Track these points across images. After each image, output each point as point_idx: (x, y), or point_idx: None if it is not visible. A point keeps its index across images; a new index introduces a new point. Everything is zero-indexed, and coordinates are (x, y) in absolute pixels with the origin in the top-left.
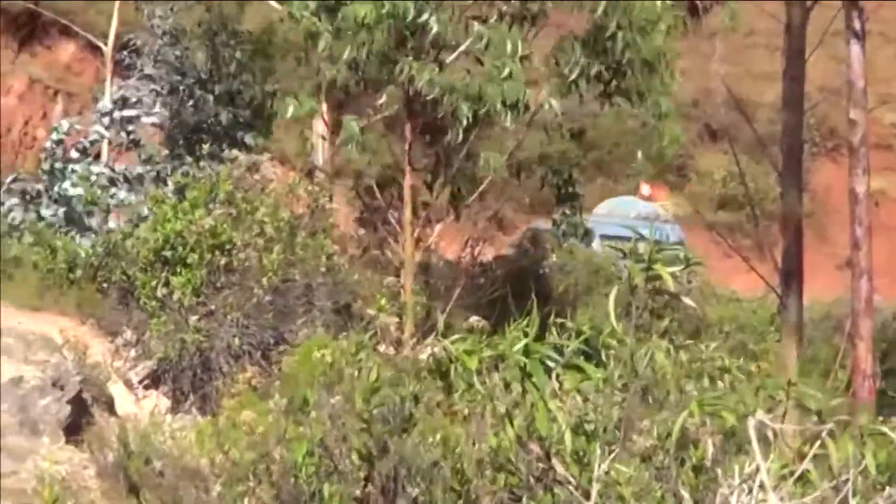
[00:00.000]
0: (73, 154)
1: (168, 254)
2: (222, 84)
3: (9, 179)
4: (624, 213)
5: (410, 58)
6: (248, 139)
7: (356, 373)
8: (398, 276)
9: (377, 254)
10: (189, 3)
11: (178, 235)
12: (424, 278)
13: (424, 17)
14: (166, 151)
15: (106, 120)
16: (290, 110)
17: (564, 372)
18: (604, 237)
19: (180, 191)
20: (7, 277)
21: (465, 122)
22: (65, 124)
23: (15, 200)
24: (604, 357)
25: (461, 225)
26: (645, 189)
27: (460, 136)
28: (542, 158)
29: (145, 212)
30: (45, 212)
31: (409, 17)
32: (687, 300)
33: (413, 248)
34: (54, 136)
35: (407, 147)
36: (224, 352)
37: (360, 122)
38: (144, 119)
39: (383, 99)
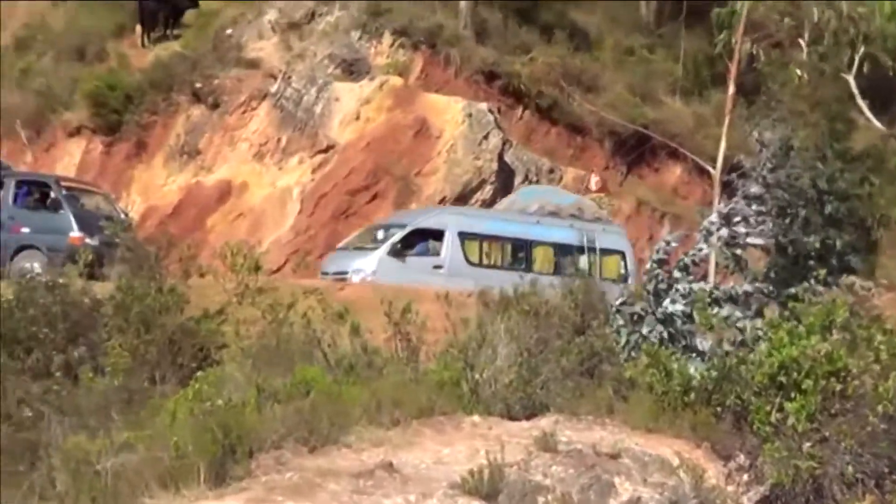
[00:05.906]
0: (676, 273)
1: (783, 379)
2: (832, 206)
3: (617, 301)
4: (524, 205)
5: None
6: (856, 263)
7: None
8: None
9: None
10: (802, 121)
11: (793, 361)
12: None
13: None
14: (765, 271)
15: (712, 239)
16: None
17: None
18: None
19: (792, 314)
20: (621, 398)
21: None
22: (666, 244)
23: (620, 322)
24: None
25: None
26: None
27: None
28: None
29: (750, 332)
30: (645, 331)
31: None
32: None
33: None
34: (656, 256)
35: None
36: (837, 479)
37: None
38: (750, 239)
39: None
